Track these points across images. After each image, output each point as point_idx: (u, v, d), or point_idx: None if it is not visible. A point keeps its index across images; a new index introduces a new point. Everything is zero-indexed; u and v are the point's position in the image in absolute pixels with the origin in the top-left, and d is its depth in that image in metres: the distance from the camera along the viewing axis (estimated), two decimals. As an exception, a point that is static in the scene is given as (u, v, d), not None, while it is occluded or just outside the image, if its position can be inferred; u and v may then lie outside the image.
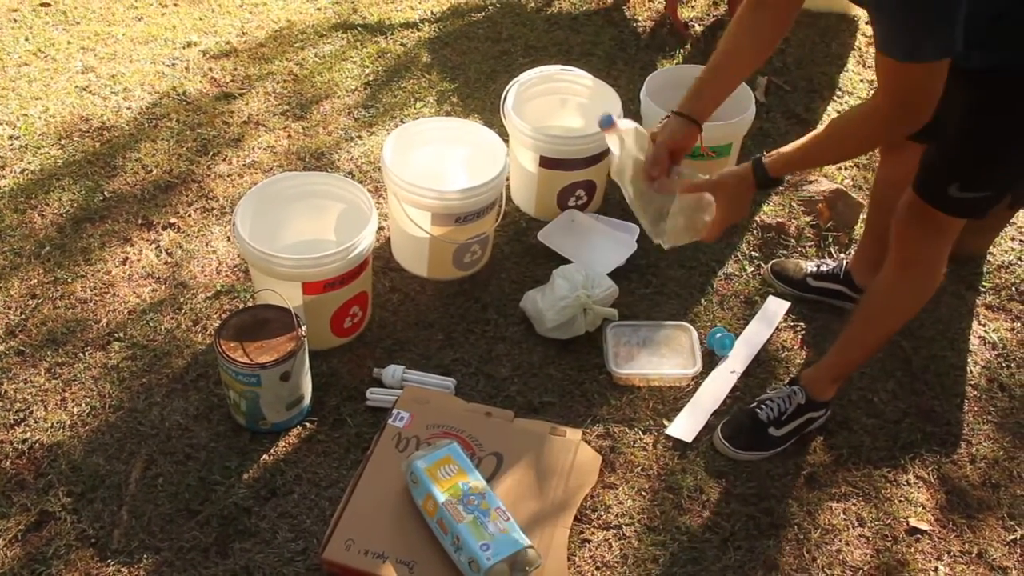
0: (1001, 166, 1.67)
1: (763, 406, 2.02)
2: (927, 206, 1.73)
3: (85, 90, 2.97)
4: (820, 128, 1.66)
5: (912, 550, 1.87)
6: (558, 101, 2.60)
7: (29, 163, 2.69)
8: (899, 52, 1.43)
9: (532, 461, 1.92)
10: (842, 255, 2.40)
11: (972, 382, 2.21)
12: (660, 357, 2.18)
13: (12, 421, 2.04)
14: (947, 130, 1.62)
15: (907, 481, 2.00)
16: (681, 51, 3.21)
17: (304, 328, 1.96)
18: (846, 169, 2.75)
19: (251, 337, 1.95)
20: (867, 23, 3.31)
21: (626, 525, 1.89)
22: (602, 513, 1.91)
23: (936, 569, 1.85)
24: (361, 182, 2.56)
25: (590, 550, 1.84)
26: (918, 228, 1.78)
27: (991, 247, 2.51)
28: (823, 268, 2.35)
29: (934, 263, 1.83)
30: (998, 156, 1.66)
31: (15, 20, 3.28)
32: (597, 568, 1.82)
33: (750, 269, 2.45)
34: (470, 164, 2.40)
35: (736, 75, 1.89)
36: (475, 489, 1.76)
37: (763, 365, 2.21)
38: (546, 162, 2.40)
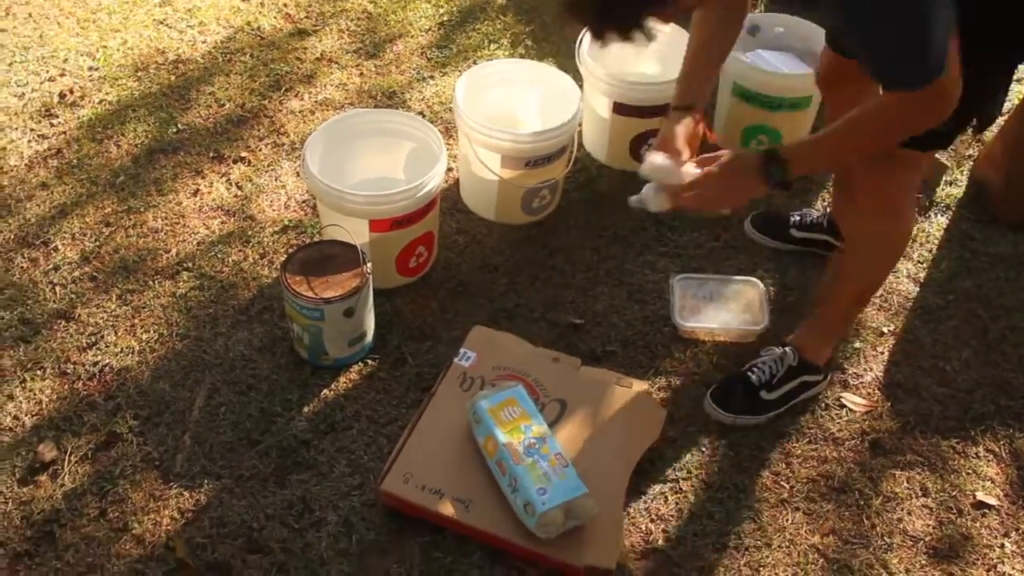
0: (973, 96, 1.51)
1: (755, 369, 1.96)
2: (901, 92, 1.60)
3: (162, 23, 3.00)
4: (843, 121, 1.52)
5: (978, 524, 1.82)
6: (632, 49, 2.53)
7: (107, 94, 2.73)
8: (914, 84, 1.37)
9: (596, 410, 1.90)
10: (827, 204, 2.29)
11: (1053, 356, 2.12)
12: (727, 311, 2.14)
13: (84, 344, 2.09)
14: None
15: (976, 454, 1.93)
16: None
17: (369, 265, 1.97)
18: (932, 128, 2.64)
19: (317, 272, 1.96)
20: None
21: (683, 480, 1.87)
22: (660, 466, 1.89)
23: (1003, 546, 1.79)
24: (432, 122, 2.53)
25: (645, 502, 1.83)
26: (882, 166, 1.66)
27: (1083, 216, 2.40)
28: (807, 218, 2.27)
29: (901, 205, 1.75)
30: (973, 87, 1.51)
31: (97, -47, 3.31)
32: (652, 520, 1.81)
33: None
34: (543, 107, 2.36)
35: (718, 56, 1.82)
36: (537, 433, 1.76)
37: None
38: (620, 108, 2.35)
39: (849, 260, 1.87)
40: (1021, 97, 2.42)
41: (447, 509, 1.73)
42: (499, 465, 1.74)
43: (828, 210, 2.26)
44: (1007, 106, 2.66)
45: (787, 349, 1.97)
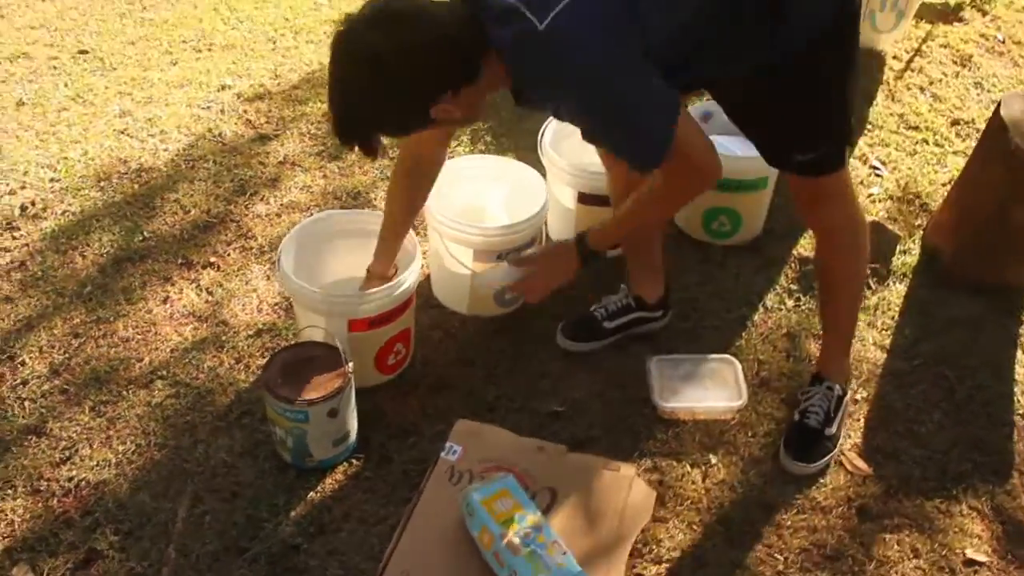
0: (821, 119, 1.81)
1: (809, 413, 2.05)
2: (798, 178, 1.88)
3: (123, 133, 3.02)
4: (629, 201, 1.82)
5: (970, 582, 1.85)
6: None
7: (70, 205, 2.72)
8: (648, 163, 1.67)
9: (586, 496, 1.91)
10: (623, 284, 2.35)
11: (1020, 411, 2.19)
12: (705, 390, 2.18)
13: (58, 459, 2.04)
14: (757, 111, 1.81)
15: (960, 512, 1.97)
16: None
17: (351, 364, 1.97)
18: (880, 203, 2.76)
19: (298, 374, 1.95)
20: (893, 58, 3.36)
21: (678, 559, 1.87)
22: (654, 547, 1.89)
23: (996, 601, 1.82)
24: (399, 220, 2.58)
25: (643, 585, 1.83)
26: (809, 201, 1.95)
27: (1030, 277, 2.51)
28: (611, 307, 2.32)
29: (849, 221, 1.96)
30: (814, 112, 1.79)
31: (55, 68, 3.35)
32: (651, 603, 1.80)
33: (790, 303, 2.45)
34: (509, 201, 2.42)
35: (407, 227, 2.14)
36: (532, 522, 1.75)
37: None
38: (584, 198, 2.42)
39: (831, 284, 2.05)
40: (962, 168, 2.55)
41: (446, 606, 1.71)
42: (496, 557, 1.73)
43: (626, 290, 2.33)
44: (950, 175, 2.81)
45: (828, 384, 2.08)
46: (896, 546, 1.91)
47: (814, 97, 1.77)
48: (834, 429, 2.06)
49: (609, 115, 1.61)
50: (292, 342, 2.19)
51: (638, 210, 1.83)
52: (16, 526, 1.91)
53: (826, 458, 2.03)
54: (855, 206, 1.98)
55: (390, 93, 1.55)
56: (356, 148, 1.66)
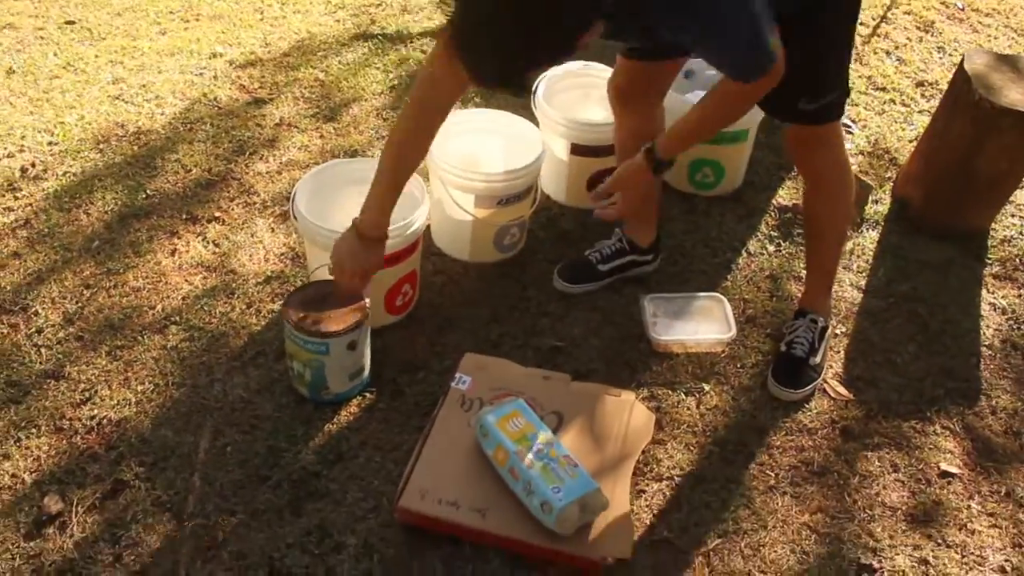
0: (830, 69, 1.92)
1: (795, 344, 2.19)
2: (803, 128, 2.00)
3: (118, 99, 3.08)
4: (697, 105, 1.85)
5: (945, 491, 2.00)
6: (582, 94, 2.75)
7: (70, 167, 2.78)
8: (759, 72, 1.68)
9: (591, 419, 2.03)
10: (617, 229, 2.47)
11: (986, 343, 2.35)
12: (696, 324, 2.31)
13: (78, 400, 2.11)
14: None
15: (934, 431, 2.13)
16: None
17: (368, 299, 2.07)
18: (853, 157, 2.92)
19: (317, 309, 2.05)
20: (860, 24, 3.52)
21: (678, 476, 2.00)
22: (654, 466, 2.02)
23: (969, 507, 1.97)
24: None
25: (647, 499, 1.95)
26: (803, 148, 2.06)
27: (993, 223, 2.68)
28: (605, 251, 2.43)
29: (838, 167, 2.09)
30: (823, 62, 1.89)
31: (42, 38, 3.38)
32: (655, 515, 1.92)
33: (771, 248, 2.59)
34: (505, 152, 2.53)
35: (406, 179, 2.06)
36: (544, 440, 1.87)
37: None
38: (577, 149, 2.54)
39: (818, 226, 2.19)
40: (929, 121, 2.71)
41: (465, 519, 1.82)
42: (511, 472, 1.84)
43: (621, 234, 2.45)
44: (916, 132, 2.97)
45: (811, 316, 2.21)
46: (877, 462, 2.06)
47: (828, 45, 1.87)
48: (818, 359, 2.20)
49: (736, 25, 1.61)
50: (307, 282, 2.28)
51: (708, 116, 1.85)
52: (43, 461, 1.98)
53: (811, 385, 2.18)
54: (844, 151, 2.12)
55: (548, 25, 1.44)
56: (506, 89, 1.59)
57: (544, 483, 1.78)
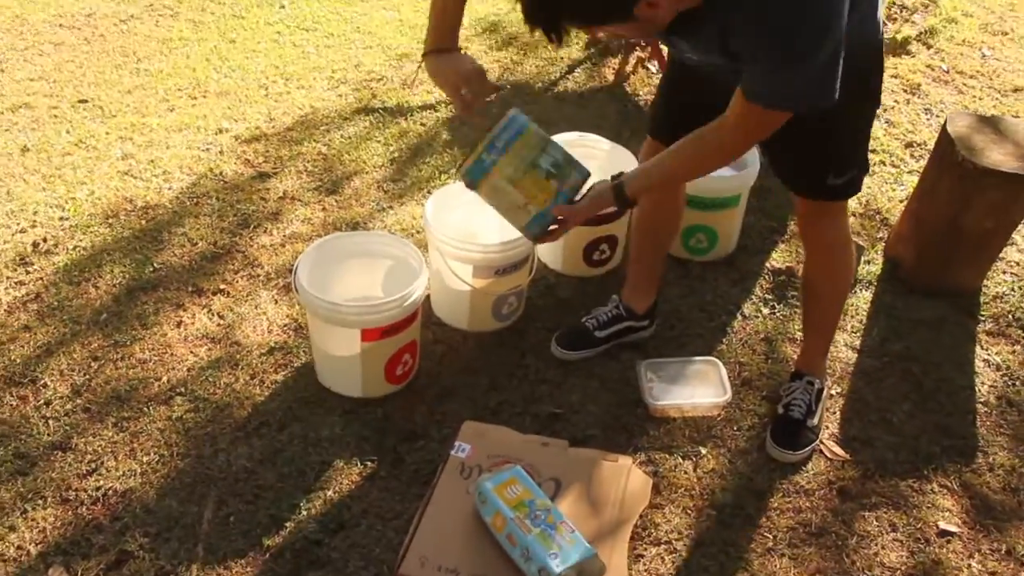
0: (858, 145, 1.98)
1: (793, 407, 2.22)
2: (819, 203, 2.03)
3: (127, 174, 3.16)
4: (674, 147, 1.81)
5: (944, 550, 2.01)
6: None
7: (80, 241, 2.85)
8: (783, 104, 1.61)
9: (588, 484, 2.05)
10: (614, 296, 2.51)
11: (981, 400, 2.38)
12: (692, 388, 2.34)
13: (84, 471, 2.15)
14: (798, 138, 1.77)
15: (932, 489, 2.14)
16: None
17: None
18: (844, 219, 2.97)
19: None
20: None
21: (675, 540, 2.02)
22: (652, 531, 2.03)
23: (969, 566, 1.98)
24: (397, 245, 2.74)
25: (645, 564, 1.97)
26: (819, 222, 2.10)
27: (985, 280, 2.72)
28: (602, 317, 2.47)
29: (844, 238, 2.14)
30: (850, 138, 1.95)
31: (56, 116, 3.49)
32: (653, 579, 1.94)
33: (765, 311, 2.63)
34: (501, 223, 2.58)
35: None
36: (541, 506, 1.89)
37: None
38: (573, 217, 2.59)
39: (817, 296, 2.22)
40: (918, 181, 2.77)
41: (465, 586, 1.83)
42: (509, 538, 1.86)
43: (618, 300, 2.49)
44: (906, 192, 3.03)
45: (807, 379, 2.25)
46: (875, 522, 2.07)
47: (853, 123, 1.91)
48: (815, 420, 2.23)
49: (813, 52, 1.53)
50: (303, 361, 2.32)
51: (691, 159, 1.79)
52: (48, 532, 2.01)
53: (809, 447, 2.20)
54: (848, 222, 2.15)
55: None
56: (541, 32, 1.52)
57: (542, 549, 1.80)
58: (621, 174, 1.88)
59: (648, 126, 2.29)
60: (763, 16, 1.51)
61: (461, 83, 1.95)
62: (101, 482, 2.12)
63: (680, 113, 2.06)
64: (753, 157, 2.69)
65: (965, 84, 3.71)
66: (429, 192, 3.02)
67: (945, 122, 2.61)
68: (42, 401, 2.32)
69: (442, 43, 1.93)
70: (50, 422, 2.26)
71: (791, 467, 2.18)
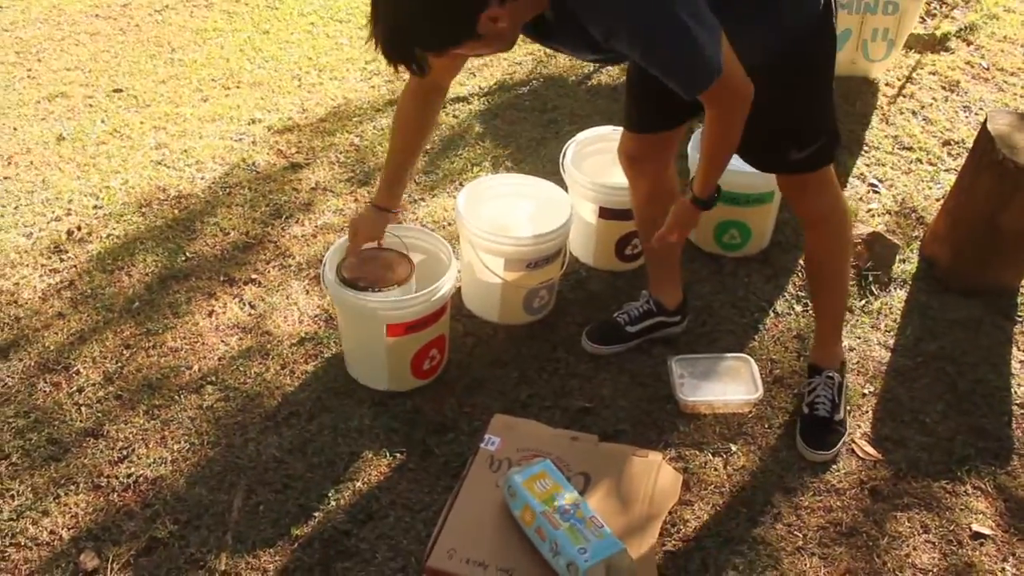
0: (813, 117, 1.95)
1: (818, 405, 2.20)
2: (791, 176, 2.02)
3: (160, 164, 3.19)
4: (703, 148, 1.89)
5: (978, 553, 1.98)
6: (611, 158, 2.79)
7: (113, 229, 2.88)
8: (702, 83, 1.66)
9: (618, 480, 2.04)
10: (645, 291, 2.50)
11: (1018, 401, 2.34)
12: (723, 385, 2.32)
13: (116, 458, 2.17)
14: (752, 118, 1.78)
15: (965, 491, 2.11)
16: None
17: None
18: (879, 216, 2.93)
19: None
20: (886, 84, 3.56)
21: (705, 537, 2.00)
22: (681, 527, 2.02)
23: (1003, 569, 1.95)
24: (428, 237, 2.74)
25: (674, 560, 1.95)
26: (802, 196, 2.09)
27: (1022, 280, 2.67)
28: (633, 312, 2.46)
29: (833, 208, 2.11)
30: (804, 112, 1.93)
31: (91, 105, 3.53)
32: (682, 576, 1.93)
33: (798, 308, 2.60)
34: (534, 216, 2.58)
35: (413, 158, 2.22)
36: (570, 500, 1.88)
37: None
38: (605, 212, 2.58)
39: (820, 268, 2.21)
40: (955, 180, 2.73)
41: (493, 579, 1.83)
42: (538, 532, 1.86)
43: (648, 296, 2.48)
44: (943, 191, 2.98)
45: (828, 374, 2.23)
46: (907, 523, 2.04)
47: (804, 96, 1.92)
48: (841, 414, 2.21)
49: (666, 33, 1.60)
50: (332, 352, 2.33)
51: (715, 149, 1.86)
52: (80, 518, 2.03)
53: (840, 443, 2.18)
54: (840, 194, 2.14)
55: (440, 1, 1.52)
56: (403, 67, 1.62)
57: (571, 543, 1.79)
58: (690, 190, 1.95)
59: (623, 122, 2.29)
60: (621, 14, 1.58)
61: (366, 240, 2.27)
62: (132, 469, 2.14)
63: (644, 103, 2.17)
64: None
65: (1006, 81, 3.65)
66: (461, 184, 3.01)
67: (985, 119, 2.57)
68: (75, 388, 2.34)
69: (387, 204, 2.25)
70: (83, 409, 2.29)
71: (822, 465, 2.16)
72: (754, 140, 1.86)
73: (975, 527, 2.03)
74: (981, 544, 2.00)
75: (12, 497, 2.07)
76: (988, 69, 3.71)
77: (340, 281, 2.17)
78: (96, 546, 1.98)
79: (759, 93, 1.72)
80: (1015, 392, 2.37)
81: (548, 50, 3.85)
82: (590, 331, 2.46)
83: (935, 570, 1.95)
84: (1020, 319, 2.58)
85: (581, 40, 1.70)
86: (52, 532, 2.01)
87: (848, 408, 2.28)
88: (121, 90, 3.63)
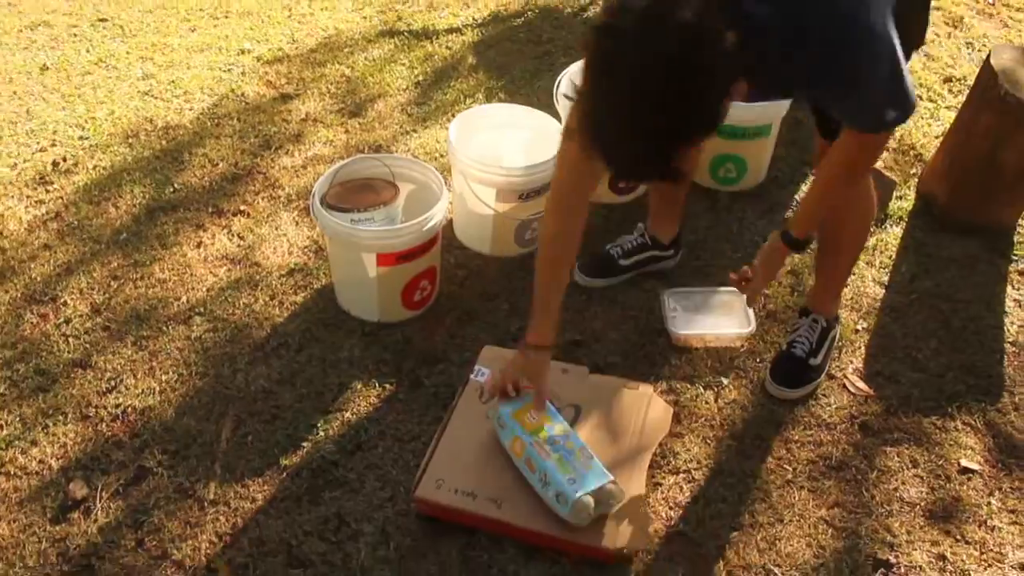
0: (903, 74, 1.78)
1: (796, 344, 2.18)
2: (872, 136, 1.81)
3: (147, 94, 3.13)
4: (815, 190, 1.88)
5: (965, 487, 1.99)
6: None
7: (100, 160, 2.83)
8: (890, 124, 1.64)
9: (608, 412, 2.03)
10: (640, 224, 2.47)
11: (1010, 339, 2.33)
12: (715, 319, 2.31)
13: (104, 388, 2.15)
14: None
15: (955, 427, 2.11)
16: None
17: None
18: (877, 153, 2.89)
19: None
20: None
21: (695, 470, 2.00)
22: (671, 460, 2.02)
23: (989, 504, 1.96)
24: (419, 170, 2.70)
25: (663, 492, 1.95)
26: (870, 156, 1.87)
27: (1020, 219, 2.64)
28: (626, 245, 2.44)
29: (866, 185, 2.05)
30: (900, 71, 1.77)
31: (75, 35, 3.45)
32: (671, 508, 1.93)
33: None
34: (527, 147, 2.54)
35: (561, 288, 1.96)
36: (560, 431, 1.88)
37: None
38: (599, 144, 2.53)
39: (836, 234, 2.11)
40: (956, 116, 2.68)
41: (481, 509, 1.83)
42: (528, 463, 1.85)
43: (644, 228, 2.45)
44: (943, 128, 2.94)
45: (814, 316, 2.20)
46: (896, 457, 2.04)
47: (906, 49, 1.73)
48: (819, 360, 2.18)
49: (884, 59, 1.52)
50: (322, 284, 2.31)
51: (829, 189, 1.83)
52: (68, 448, 2.03)
53: (809, 386, 2.16)
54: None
55: (695, 91, 1.31)
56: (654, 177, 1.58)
57: (560, 474, 1.79)
58: (786, 223, 1.89)
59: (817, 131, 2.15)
60: (816, 59, 1.50)
61: (525, 382, 1.98)
62: (120, 400, 2.13)
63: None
64: (786, 86, 2.61)
65: (1012, 17, 3.58)
66: (453, 116, 2.94)
67: (988, 54, 2.52)
68: (62, 319, 2.32)
69: (544, 341, 1.95)
70: (70, 340, 2.27)
71: (813, 400, 2.15)
72: (863, 99, 1.67)
73: (963, 462, 2.03)
74: (969, 479, 2.00)
75: (0, 428, 2.06)
76: (993, 4, 3.64)
77: (325, 206, 2.14)
78: (85, 475, 1.97)
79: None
80: (1007, 330, 2.35)
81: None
82: (583, 264, 2.44)
83: (923, 504, 1.95)
84: (1016, 258, 2.56)
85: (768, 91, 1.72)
86: (41, 462, 2.00)
87: (835, 356, 2.25)
88: (106, 19, 3.55)
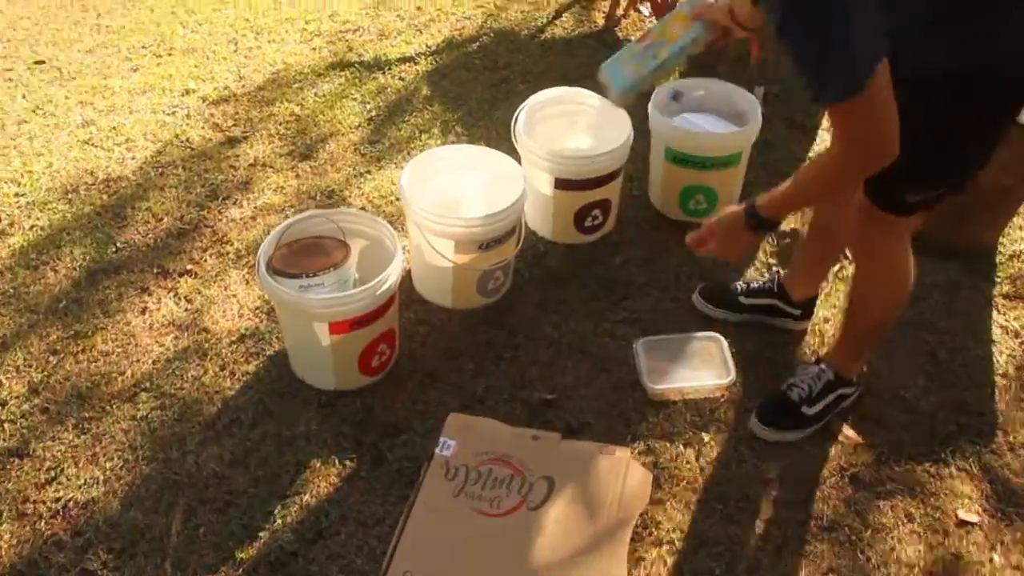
0: (952, 162, 1.67)
1: (794, 387, 2.07)
2: (884, 212, 1.74)
3: (87, 143, 2.97)
4: (799, 173, 1.65)
5: (965, 542, 1.88)
6: (567, 123, 2.62)
7: (37, 219, 2.67)
8: (831, 92, 1.41)
9: (584, 483, 1.91)
10: (775, 268, 2.40)
11: (1000, 371, 2.22)
12: (693, 369, 2.19)
13: (43, 480, 2.01)
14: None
15: (949, 474, 2.00)
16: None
17: None
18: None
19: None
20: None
21: (678, 540, 1.88)
22: (653, 530, 1.90)
23: (991, 560, 1.85)
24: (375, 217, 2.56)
25: (646, 568, 1.83)
26: (876, 232, 1.81)
27: (1001, 238, 2.54)
28: (754, 285, 2.34)
29: (899, 258, 1.87)
30: (949, 154, 1.64)
31: (10, 79, 3.28)
32: (654, 585, 1.81)
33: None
34: (486, 190, 2.41)
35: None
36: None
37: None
38: (562, 183, 2.41)
39: (858, 308, 2.00)
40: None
41: (451, 602, 1.71)
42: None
43: (778, 276, 2.33)
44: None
45: (823, 366, 2.08)
46: (890, 512, 1.93)
47: (948, 134, 1.60)
48: (813, 410, 2.05)
49: (814, 20, 1.37)
50: (274, 349, 2.17)
51: (807, 180, 1.63)
52: (3, 552, 1.88)
53: (793, 433, 2.05)
54: (909, 239, 1.88)
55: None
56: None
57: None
58: (753, 201, 1.71)
59: None
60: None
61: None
62: (61, 492, 1.98)
63: None
64: (755, 113, 2.49)
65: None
66: (409, 154, 2.83)
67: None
68: (-2, 402, 2.17)
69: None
70: (5, 425, 2.12)
71: (800, 452, 2.04)
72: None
73: (961, 514, 1.92)
74: (968, 532, 1.90)
75: (-72, 532, 1.92)
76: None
77: (271, 272, 2.00)
78: (23, 582, 1.83)
79: (912, 110, 1.44)
80: (996, 360, 2.25)
81: (499, 1, 3.64)
82: (703, 288, 2.36)
83: (921, 564, 1.84)
84: (999, 280, 2.46)
85: None
86: (-28, 569, 1.86)
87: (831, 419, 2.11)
88: (43, 61, 3.38)
